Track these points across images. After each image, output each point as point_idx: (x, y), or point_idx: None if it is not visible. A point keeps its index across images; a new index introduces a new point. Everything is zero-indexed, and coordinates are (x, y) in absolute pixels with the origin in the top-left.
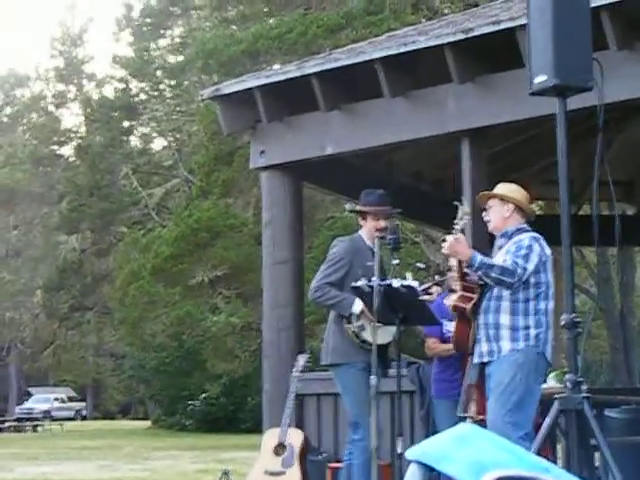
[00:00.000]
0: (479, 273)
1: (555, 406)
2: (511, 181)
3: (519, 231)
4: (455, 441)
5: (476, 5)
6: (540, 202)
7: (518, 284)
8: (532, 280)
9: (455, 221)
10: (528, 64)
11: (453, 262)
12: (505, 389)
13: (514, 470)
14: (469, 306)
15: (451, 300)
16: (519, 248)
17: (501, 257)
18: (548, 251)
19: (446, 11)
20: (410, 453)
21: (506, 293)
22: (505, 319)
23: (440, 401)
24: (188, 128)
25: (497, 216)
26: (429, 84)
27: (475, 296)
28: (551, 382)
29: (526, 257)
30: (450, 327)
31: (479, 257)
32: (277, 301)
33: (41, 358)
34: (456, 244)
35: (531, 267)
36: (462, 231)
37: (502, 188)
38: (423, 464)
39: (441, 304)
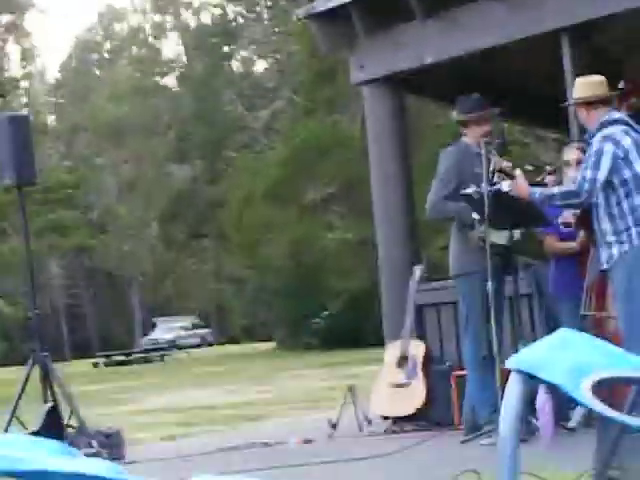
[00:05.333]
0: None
1: None
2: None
3: (599, 129)
4: (554, 347)
5: None
6: None
7: (590, 197)
8: (616, 181)
9: (496, 175)
10: None
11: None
12: (625, 296)
13: (617, 371)
14: (574, 219)
15: (561, 217)
16: (588, 157)
17: (583, 165)
18: (627, 141)
19: None
20: (510, 362)
21: (600, 200)
22: (606, 226)
23: (562, 301)
24: (288, 48)
25: (582, 118)
26: None
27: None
28: None
29: (595, 165)
30: (566, 218)
31: (537, 194)
32: (388, 215)
33: (162, 288)
34: (515, 188)
35: (602, 174)
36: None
37: (575, 89)
38: (524, 372)
39: None
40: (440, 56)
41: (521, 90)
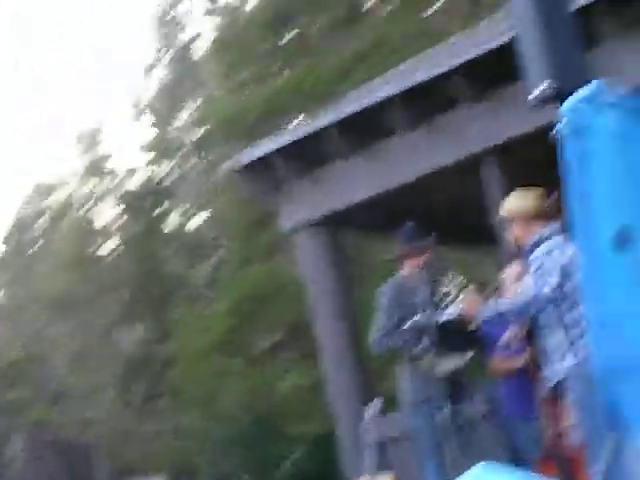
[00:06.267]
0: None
1: None
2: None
3: (537, 243)
4: None
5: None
6: None
7: (539, 309)
8: (560, 294)
9: (447, 290)
10: (525, 77)
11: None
12: (577, 409)
13: None
14: (519, 337)
15: (504, 337)
16: (534, 271)
17: (526, 280)
18: (568, 253)
19: (454, 30)
20: None
21: (545, 313)
22: (552, 339)
23: (516, 420)
24: (221, 199)
25: (516, 234)
26: (443, 111)
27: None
28: None
29: (542, 277)
30: (509, 338)
31: (488, 312)
32: (335, 355)
33: (126, 451)
34: (466, 306)
35: (550, 287)
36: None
37: (508, 203)
38: None
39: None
40: (369, 193)
41: (454, 214)
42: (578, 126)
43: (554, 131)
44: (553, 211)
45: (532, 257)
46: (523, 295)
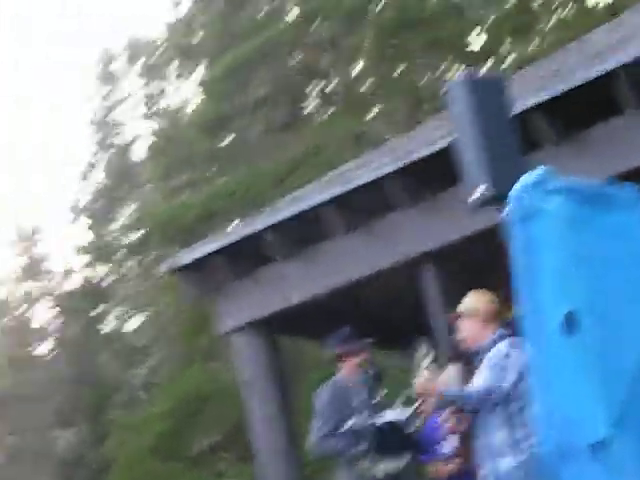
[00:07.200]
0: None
1: None
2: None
3: (494, 342)
4: None
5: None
6: None
7: (500, 400)
8: (515, 391)
9: (416, 365)
10: (464, 180)
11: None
12: None
13: None
14: (464, 427)
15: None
16: (496, 363)
17: (479, 376)
18: (524, 355)
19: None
20: None
21: (497, 410)
22: (501, 436)
23: None
24: (160, 301)
25: (469, 333)
26: (379, 215)
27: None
28: None
29: (501, 372)
30: (446, 448)
31: (451, 393)
32: (271, 459)
33: None
34: (425, 383)
35: (509, 381)
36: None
37: (466, 303)
38: None
39: (435, 426)
40: (306, 295)
41: (389, 319)
42: (525, 211)
43: (502, 217)
44: (502, 313)
45: (490, 354)
46: (485, 385)
